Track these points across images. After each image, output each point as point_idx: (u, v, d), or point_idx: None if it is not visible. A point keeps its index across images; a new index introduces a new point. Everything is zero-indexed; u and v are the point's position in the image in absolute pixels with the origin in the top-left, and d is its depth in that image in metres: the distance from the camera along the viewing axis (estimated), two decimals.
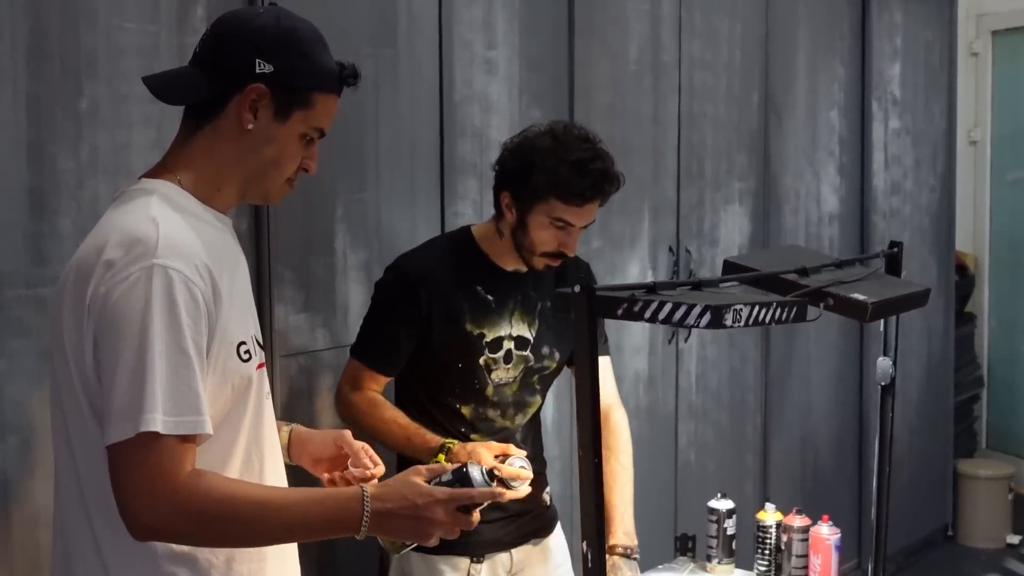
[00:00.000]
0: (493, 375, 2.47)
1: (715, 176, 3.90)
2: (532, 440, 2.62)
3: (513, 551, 2.56)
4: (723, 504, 2.83)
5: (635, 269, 3.58)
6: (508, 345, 2.47)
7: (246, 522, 1.62)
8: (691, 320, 1.87)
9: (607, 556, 2.47)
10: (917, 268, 5.05)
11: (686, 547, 2.93)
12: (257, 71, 1.69)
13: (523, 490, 2.16)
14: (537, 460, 2.57)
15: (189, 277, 1.60)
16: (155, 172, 1.74)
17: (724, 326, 1.88)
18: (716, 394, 4.00)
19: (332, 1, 2.66)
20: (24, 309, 2.15)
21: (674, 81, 3.69)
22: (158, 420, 1.54)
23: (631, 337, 3.60)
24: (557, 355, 2.54)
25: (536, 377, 2.54)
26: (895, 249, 2.59)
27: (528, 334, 2.49)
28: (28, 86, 2.15)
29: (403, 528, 1.72)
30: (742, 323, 1.91)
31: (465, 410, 2.47)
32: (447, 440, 2.29)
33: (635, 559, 2.53)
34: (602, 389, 2.50)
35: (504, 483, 2.10)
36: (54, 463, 1.73)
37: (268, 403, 1.83)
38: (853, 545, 4.53)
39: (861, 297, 2.23)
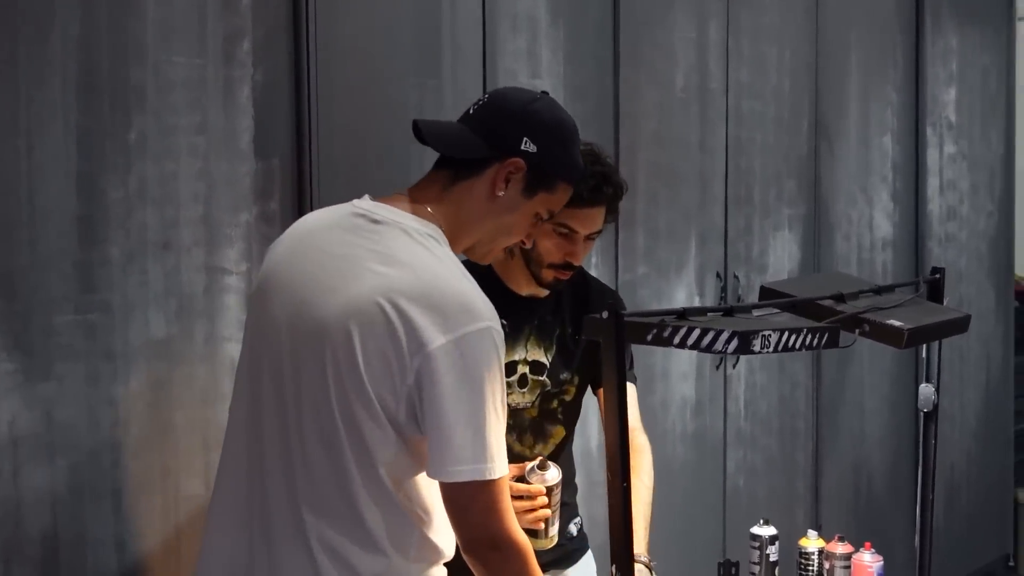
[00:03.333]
0: (509, 399, 2.45)
1: (764, 202, 3.90)
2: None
3: None
4: (766, 531, 2.82)
5: (682, 295, 3.59)
6: (523, 369, 2.47)
7: None
8: (719, 346, 1.89)
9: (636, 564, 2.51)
10: (975, 294, 5.00)
11: (729, 573, 2.92)
12: (522, 148, 1.90)
13: None
14: (567, 488, 2.57)
15: (502, 336, 1.83)
16: (406, 205, 1.90)
17: (752, 351, 1.89)
18: (766, 420, 3.98)
19: (377, 32, 2.72)
20: (73, 335, 2.22)
21: (721, 108, 3.70)
22: (496, 469, 1.79)
23: (678, 363, 3.60)
24: (576, 380, 2.53)
25: (555, 403, 2.52)
26: (937, 275, 2.58)
27: (544, 359, 2.49)
28: (79, 119, 2.22)
29: None
30: (771, 349, 1.92)
31: None
32: None
33: (654, 572, 2.56)
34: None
35: None
36: (240, 467, 1.89)
37: None
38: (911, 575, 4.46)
39: (897, 323, 2.22)
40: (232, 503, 1.91)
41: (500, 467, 1.80)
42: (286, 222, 2.51)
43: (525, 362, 2.48)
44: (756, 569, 2.81)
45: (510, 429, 2.46)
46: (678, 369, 3.61)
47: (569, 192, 2.03)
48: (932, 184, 4.69)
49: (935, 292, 2.58)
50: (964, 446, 5.01)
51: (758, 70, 3.84)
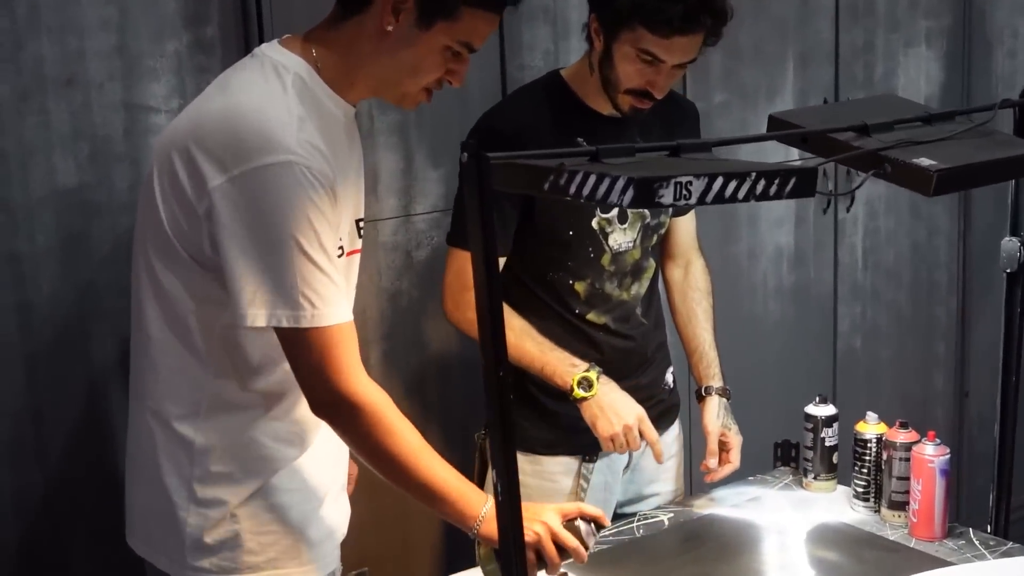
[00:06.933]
0: (610, 239, 2.22)
1: (891, 12, 3.28)
2: (652, 310, 2.38)
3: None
4: (821, 410, 2.37)
5: None
6: None
7: (399, 455, 1.69)
8: (614, 196, 1.47)
9: (714, 397, 2.37)
10: None
11: (788, 456, 2.51)
12: None
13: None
14: (658, 331, 2.41)
15: (327, 175, 1.61)
16: (297, 45, 1.72)
17: (657, 204, 1.46)
18: (893, 272, 3.44)
19: None
20: None
21: None
22: (305, 316, 1.60)
23: (770, 208, 3.11)
24: (671, 209, 2.27)
25: (655, 238, 2.29)
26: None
27: None
28: None
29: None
30: (693, 199, 1.48)
31: (579, 287, 2.25)
32: (584, 374, 2.14)
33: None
34: (684, 240, 2.44)
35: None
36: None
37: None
38: None
39: (926, 162, 1.72)
40: None
41: (312, 314, 1.60)
42: (228, 51, 2.22)
43: None
44: (809, 454, 2.38)
45: (611, 276, 2.27)
46: (770, 215, 3.12)
47: (481, 16, 1.71)
48: None
49: (1022, 120, 2.02)
50: None
51: None
